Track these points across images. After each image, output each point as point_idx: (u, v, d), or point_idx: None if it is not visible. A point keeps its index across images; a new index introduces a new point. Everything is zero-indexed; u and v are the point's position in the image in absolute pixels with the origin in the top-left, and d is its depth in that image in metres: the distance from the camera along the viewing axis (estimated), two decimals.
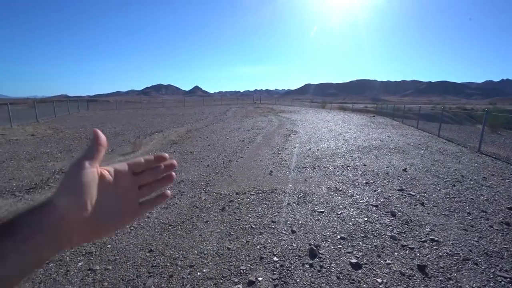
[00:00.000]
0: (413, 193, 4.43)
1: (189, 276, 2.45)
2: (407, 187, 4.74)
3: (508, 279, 2.42)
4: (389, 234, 3.15)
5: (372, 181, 5.04)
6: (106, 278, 2.43)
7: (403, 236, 3.11)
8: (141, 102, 46.53)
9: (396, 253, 2.79)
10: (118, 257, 2.73)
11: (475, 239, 3.08)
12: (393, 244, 2.95)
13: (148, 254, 2.77)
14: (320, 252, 2.81)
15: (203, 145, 8.39)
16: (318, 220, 3.53)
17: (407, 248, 2.87)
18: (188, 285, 2.34)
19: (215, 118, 17.66)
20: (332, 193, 4.48)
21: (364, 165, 6.19)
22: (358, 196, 4.33)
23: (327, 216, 3.63)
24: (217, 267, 2.58)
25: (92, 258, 2.72)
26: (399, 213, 3.69)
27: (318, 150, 7.78)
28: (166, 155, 0.48)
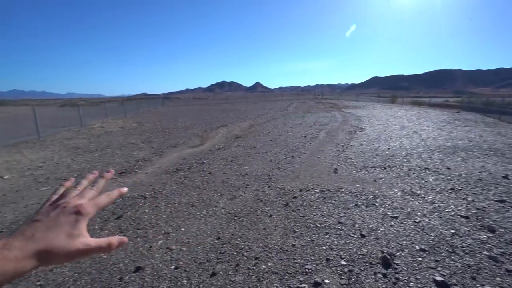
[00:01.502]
0: None
1: (254, 268, 2.50)
2: None
3: None
4: (487, 253, 2.63)
5: (459, 188, 4.32)
6: (181, 258, 2.67)
7: (508, 259, 2.55)
8: (206, 98, 50.09)
9: (498, 279, 2.30)
10: (190, 240, 2.97)
11: None
12: (494, 266, 2.45)
13: (216, 241, 2.94)
14: (395, 262, 2.53)
15: (265, 140, 8.51)
16: (391, 226, 3.19)
17: None
18: (253, 276, 2.39)
19: (276, 114, 17.75)
20: (408, 197, 4.00)
21: (448, 168, 5.35)
22: (441, 204, 3.75)
23: (402, 223, 3.25)
24: (281, 262, 2.57)
25: (169, 238, 3.02)
26: (501, 229, 3.05)
27: (388, 149, 7.06)
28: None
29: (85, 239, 0.43)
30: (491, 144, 7.43)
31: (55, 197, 0.49)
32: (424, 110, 19.78)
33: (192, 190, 4.45)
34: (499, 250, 2.68)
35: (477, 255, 2.61)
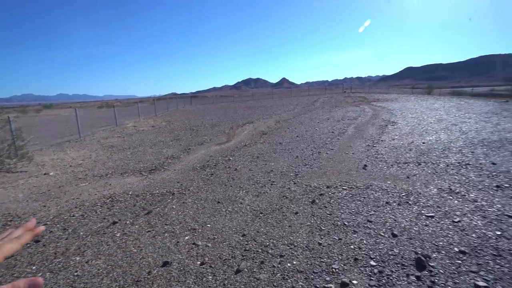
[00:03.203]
0: None
1: (279, 266, 2.48)
2: None
3: None
4: None
5: (506, 185, 3.90)
6: (206, 254, 2.73)
7: None
8: (233, 96, 50.69)
9: None
10: (216, 237, 3.03)
11: None
12: None
13: (241, 238, 2.97)
14: (431, 264, 2.36)
15: (291, 136, 8.41)
16: (426, 225, 2.98)
17: None
18: (278, 274, 2.37)
19: (303, 109, 17.46)
20: (445, 195, 3.71)
21: (493, 163, 4.86)
22: (484, 203, 3.43)
23: (438, 222, 3.03)
24: (307, 261, 2.52)
25: (196, 234, 3.11)
26: None
27: (423, 143, 6.61)
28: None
29: None
30: None
31: None
32: (465, 100, 18.20)
33: (218, 187, 4.53)
34: None
35: None
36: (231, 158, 6.22)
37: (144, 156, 6.99)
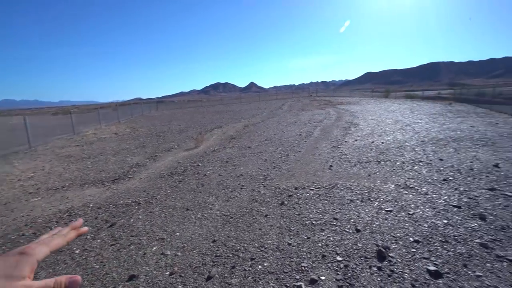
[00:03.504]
0: (510, 194, 3.66)
1: (250, 269, 2.49)
2: (501, 186, 3.95)
3: None
4: (478, 241, 2.67)
5: (451, 178, 4.36)
6: (176, 263, 2.65)
7: (498, 245, 2.59)
8: (201, 100, 49.93)
9: (489, 265, 2.33)
10: (185, 245, 2.95)
11: None
12: (485, 253, 2.48)
13: (212, 244, 2.93)
14: (390, 254, 2.55)
15: (260, 140, 8.52)
16: (385, 219, 3.21)
17: (505, 260, 2.37)
18: (250, 277, 2.38)
19: (271, 113, 17.77)
20: (402, 190, 4.03)
21: (440, 159, 5.40)
22: (434, 195, 3.79)
23: (396, 216, 3.28)
24: (278, 262, 2.57)
25: (164, 244, 3.00)
26: (491, 217, 3.10)
27: (382, 143, 7.12)
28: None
29: (27, 282, 0.40)
30: (482, 134, 7.53)
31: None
32: (417, 103, 19.98)
33: (187, 194, 4.43)
34: (490, 237, 2.72)
35: (469, 243, 2.64)
36: (200, 164, 6.12)
37: (106, 165, 6.59)
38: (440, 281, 2.19)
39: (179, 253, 2.80)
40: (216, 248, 2.85)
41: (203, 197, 4.23)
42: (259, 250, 2.77)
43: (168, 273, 2.51)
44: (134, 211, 3.90)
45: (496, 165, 4.81)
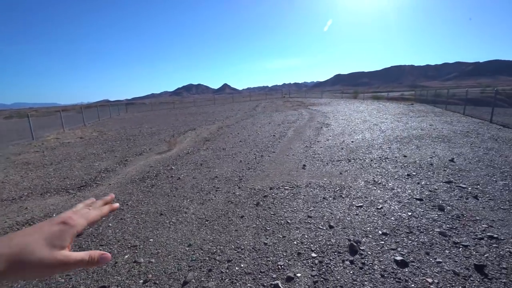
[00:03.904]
0: (464, 186, 4.02)
1: (227, 271, 2.48)
2: (456, 179, 4.32)
3: None
4: (438, 230, 2.90)
5: (414, 173, 4.69)
6: (150, 271, 2.56)
7: (454, 233, 2.83)
8: (173, 102, 48.62)
9: (447, 251, 2.55)
10: (160, 251, 2.86)
11: None
12: (444, 241, 2.71)
13: (187, 248, 2.87)
14: (361, 248, 2.68)
15: (234, 141, 8.49)
16: (356, 215, 3.37)
17: (460, 246, 2.61)
18: (227, 280, 2.37)
19: (245, 114, 17.80)
20: (371, 186, 4.25)
21: (404, 156, 5.78)
22: (399, 190, 4.05)
23: (366, 211, 3.45)
24: (254, 262, 2.58)
25: (137, 251, 2.88)
26: (448, 207, 3.38)
27: (352, 142, 7.45)
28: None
29: (67, 252, 0.41)
30: (440, 132, 8.19)
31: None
32: (383, 104, 21.19)
33: (161, 198, 4.29)
34: (448, 225, 2.97)
35: (430, 232, 2.86)
36: (173, 167, 5.96)
37: (71, 172, 6.16)
38: (406, 270, 2.34)
39: (153, 260, 2.71)
40: (192, 252, 2.79)
41: (177, 201, 4.13)
42: (235, 251, 2.76)
43: (141, 281, 2.41)
44: (104, 219, 3.68)
45: (452, 160, 5.26)
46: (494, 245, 2.60)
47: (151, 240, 3.09)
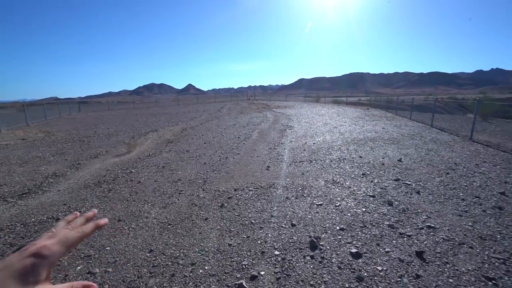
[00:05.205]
0: (409, 182, 4.48)
1: (191, 274, 2.44)
2: (403, 176, 4.80)
3: (502, 260, 2.48)
4: (387, 223, 3.19)
5: (368, 172, 5.09)
6: (106, 281, 2.41)
7: (400, 225, 3.15)
8: (133, 102, 46.00)
9: (394, 241, 2.82)
10: (118, 259, 2.70)
11: (470, 224, 3.15)
12: (391, 232, 3.00)
13: (148, 254, 2.76)
14: (321, 243, 2.84)
15: (199, 143, 8.35)
16: (317, 212, 3.55)
17: (405, 236, 2.91)
18: (190, 283, 2.33)
19: (210, 116, 17.57)
20: (330, 185, 4.51)
21: (360, 157, 6.24)
22: (355, 188, 4.36)
23: (325, 209, 3.66)
24: (219, 263, 2.58)
25: (91, 261, 2.69)
26: (396, 202, 3.74)
27: (314, 144, 7.81)
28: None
29: (44, 286, 0.36)
30: (391, 135, 8.99)
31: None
32: (342, 108, 22.54)
33: (119, 203, 4.05)
34: (395, 219, 3.29)
35: (380, 225, 3.15)
36: (133, 170, 5.66)
37: (10, 177, 5.49)
38: (360, 260, 2.54)
39: (110, 269, 2.55)
40: (154, 258, 2.69)
41: (137, 206, 3.93)
42: (199, 254, 2.73)
43: None
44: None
45: (400, 160, 5.82)
46: (431, 233, 2.96)
47: (108, 248, 2.90)
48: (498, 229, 3.01)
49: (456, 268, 2.41)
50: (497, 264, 2.45)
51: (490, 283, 2.22)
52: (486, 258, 2.53)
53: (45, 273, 0.38)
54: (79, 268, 2.60)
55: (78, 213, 0.49)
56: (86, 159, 6.82)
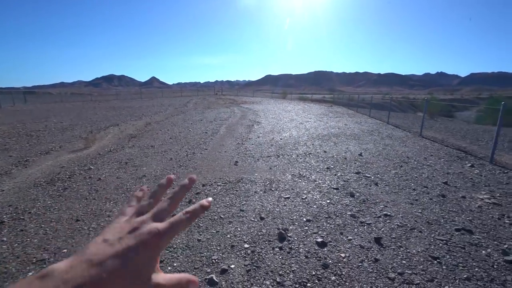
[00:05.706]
0: (368, 175, 4.83)
1: None
2: (363, 170, 5.15)
3: (444, 241, 2.81)
4: (349, 213, 3.41)
5: (332, 166, 5.36)
6: None
7: (361, 214, 3.39)
8: (91, 94, 42.55)
9: (356, 230, 3.04)
10: None
11: (419, 210, 3.50)
12: (353, 221, 3.21)
13: None
14: (289, 235, 2.94)
15: (164, 138, 8.04)
16: (284, 205, 3.66)
17: (365, 224, 3.14)
18: None
19: (176, 110, 16.98)
20: (297, 179, 4.67)
21: (325, 151, 6.54)
22: (320, 181, 4.57)
23: (293, 201, 3.78)
24: (188, 259, 2.54)
25: (45, 266, 2.47)
26: (357, 194, 4.01)
27: (281, 139, 7.99)
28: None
29: (161, 275, 0.32)
30: (352, 131, 9.55)
31: (129, 210, 0.36)
32: (307, 104, 23.31)
33: (76, 202, 3.75)
34: (356, 208, 3.54)
35: (343, 215, 3.35)
36: (92, 167, 5.27)
37: None
38: (325, 249, 2.69)
39: None
40: None
41: (98, 204, 3.69)
42: (167, 251, 2.66)
43: None
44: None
45: (360, 154, 6.23)
46: (387, 221, 3.23)
47: (65, 250, 2.69)
48: (441, 214, 3.40)
49: (408, 250, 2.67)
50: (440, 244, 2.77)
51: (435, 261, 2.51)
52: (432, 240, 2.84)
53: (158, 259, 0.34)
54: (30, 274, 2.37)
55: (146, 188, 0.42)
56: (35, 155, 6.17)
